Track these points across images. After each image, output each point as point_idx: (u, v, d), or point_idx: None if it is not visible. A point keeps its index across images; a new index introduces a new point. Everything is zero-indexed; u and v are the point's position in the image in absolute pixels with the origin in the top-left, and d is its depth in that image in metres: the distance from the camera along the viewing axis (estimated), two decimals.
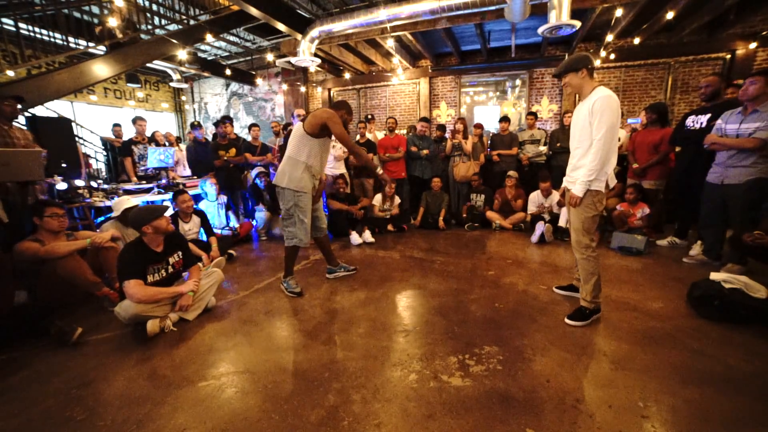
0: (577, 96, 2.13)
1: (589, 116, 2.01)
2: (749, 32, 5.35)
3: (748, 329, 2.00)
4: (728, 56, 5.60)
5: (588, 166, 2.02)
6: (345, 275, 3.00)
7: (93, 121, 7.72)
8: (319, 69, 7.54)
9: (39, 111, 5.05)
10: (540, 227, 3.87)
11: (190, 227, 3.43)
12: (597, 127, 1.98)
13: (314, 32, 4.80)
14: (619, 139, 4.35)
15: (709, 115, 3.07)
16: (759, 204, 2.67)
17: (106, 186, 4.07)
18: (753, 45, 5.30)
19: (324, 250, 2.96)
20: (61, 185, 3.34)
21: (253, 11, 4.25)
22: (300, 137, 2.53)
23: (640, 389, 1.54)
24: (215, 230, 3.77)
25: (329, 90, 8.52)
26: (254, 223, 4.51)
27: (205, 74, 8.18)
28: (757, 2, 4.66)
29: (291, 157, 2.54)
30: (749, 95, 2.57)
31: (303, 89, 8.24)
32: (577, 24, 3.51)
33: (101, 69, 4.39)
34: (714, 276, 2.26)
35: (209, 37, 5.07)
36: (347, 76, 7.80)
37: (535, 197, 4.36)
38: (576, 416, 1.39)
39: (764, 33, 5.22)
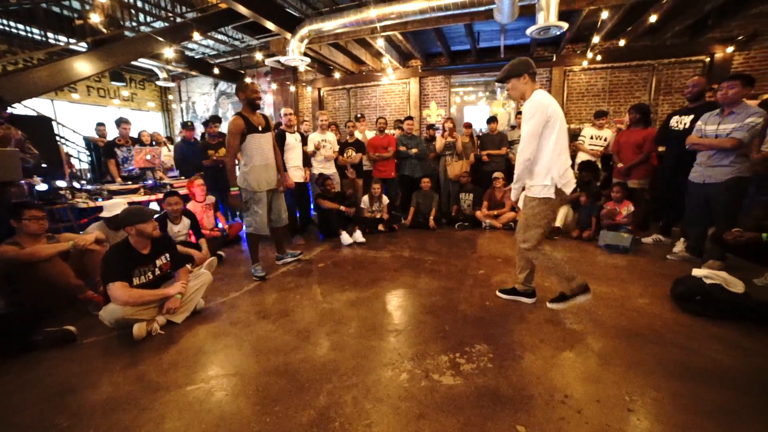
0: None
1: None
2: (727, 37, 5.53)
3: (728, 323, 2.06)
4: (708, 59, 5.78)
5: (518, 171, 2.12)
6: (293, 260, 3.39)
7: (75, 120, 7.51)
8: (308, 68, 7.49)
9: (16, 109, 4.88)
10: None
11: (179, 229, 3.36)
12: (522, 134, 2.07)
13: (304, 31, 4.76)
14: (605, 139, 4.44)
15: (692, 116, 3.16)
16: (738, 202, 2.77)
17: (90, 187, 3.97)
18: (730, 49, 5.48)
19: (276, 238, 3.36)
20: (41, 186, 3.24)
21: (242, 9, 4.20)
22: None
23: (627, 384, 1.58)
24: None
25: (319, 90, 8.47)
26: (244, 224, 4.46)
27: (193, 73, 8.04)
28: (734, 8, 4.82)
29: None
30: (729, 98, 2.65)
31: (293, 89, 8.17)
32: (565, 25, 3.57)
33: (83, 66, 4.26)
34: (696, 272, 2.33)
35: (196, 35, 4.97)
36: (337, 75, 7.76)
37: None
38: (565, 412, 1.42)
39: (740, 38, 5.40)
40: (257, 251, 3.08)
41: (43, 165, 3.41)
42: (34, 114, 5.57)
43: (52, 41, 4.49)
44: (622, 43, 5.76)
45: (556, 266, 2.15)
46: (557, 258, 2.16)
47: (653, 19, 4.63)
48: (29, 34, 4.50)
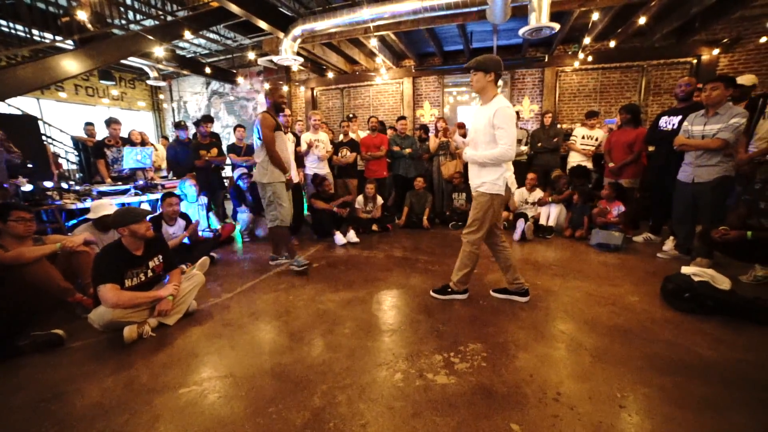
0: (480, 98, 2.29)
1: (490, 127, 2.13)
2: (712, 39, 5.66)
3: (716, 319, 2.11)
4: (695, 61, 5.90)
5: (488, 155, 2.15)
6: (286, 263, 3.31)
7: (63, 119, 7.36)
8: (302, 68, 7.45)
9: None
10: (521, 225, 3.96)
11: (175, 231, 3.32)
12: (501, 136, 2.10)
13: (297, 31, 4.74)
14: (597, 139, 4.50)
15: (680, 117, 3.22)
16: (724, 201, 2.83)
17: (78, 187, 3.89)
18: (716, 51, 5.60)
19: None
20: (27, 187, 3.16)
21: (234, 8, 4.16)
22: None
23: (618, 380, 1.60)
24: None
25: (312, 89, 8.43)
26: (237, 224, 4.42)
27: (184, 72, 7.93)
28: (719, 12, 4.93)
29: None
30: (713, 100, 2.72)
31: (286, 88, 8.11)
32: (556, 26, 3.61)
33: (70, 64, 4.17)
34: (685, 270, 2.38)
35: (188, 34, 4.91)
36: (330, 75, 7.74)
37: (518, 194, 4.45)
38: (558, 409, 1.43)
39: (725, 40, 5.53)
40: (287, 244, 3.16)
41: (29, 165, 3.32)
42: (19, 113, 5.44)
43: (37, 38, 4.39)
44: (612, 44, 5.84)
45: (468, 267, 2.37)
46: (475, 262, 2.38)
47: (642, 21, 4.71)
48: (13, 31, 4.38)
